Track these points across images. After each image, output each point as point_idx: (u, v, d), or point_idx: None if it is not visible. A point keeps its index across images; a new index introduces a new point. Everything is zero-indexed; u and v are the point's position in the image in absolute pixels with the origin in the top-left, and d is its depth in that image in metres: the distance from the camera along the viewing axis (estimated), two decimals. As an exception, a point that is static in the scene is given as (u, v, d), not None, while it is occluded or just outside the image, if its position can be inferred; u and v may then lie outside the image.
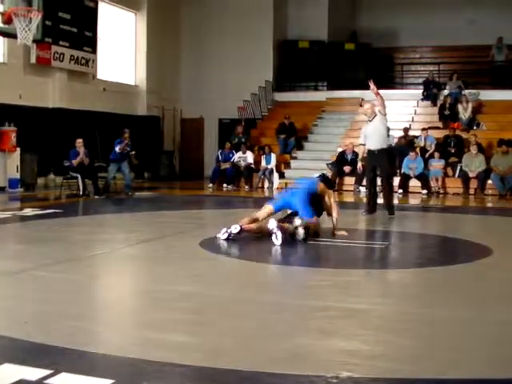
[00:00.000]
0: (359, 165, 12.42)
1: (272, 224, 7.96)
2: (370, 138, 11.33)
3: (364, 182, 17.80)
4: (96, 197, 14.88)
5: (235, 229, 8.11)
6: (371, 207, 11.50)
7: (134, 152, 15.96)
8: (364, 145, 11.65)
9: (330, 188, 8.95)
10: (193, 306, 4.93)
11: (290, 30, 24.52)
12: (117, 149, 15.45)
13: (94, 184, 15.33)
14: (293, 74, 23.95)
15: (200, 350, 3.86)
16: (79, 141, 15.23)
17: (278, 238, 7.82)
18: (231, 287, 5.66)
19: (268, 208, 8.58)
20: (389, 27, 25.02)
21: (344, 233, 8.65)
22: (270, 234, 7.95)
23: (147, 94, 22.69)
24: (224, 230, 8.19)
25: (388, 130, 11.89)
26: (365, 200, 12.63)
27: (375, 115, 11.35)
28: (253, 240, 8.19)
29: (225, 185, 18.92)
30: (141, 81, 22.70)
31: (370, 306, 4.95)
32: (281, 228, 7.94)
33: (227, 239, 8.08)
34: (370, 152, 11.39)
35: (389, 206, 11.44)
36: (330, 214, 8.73)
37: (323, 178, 8.99)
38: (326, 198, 8.70)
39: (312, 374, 3.45)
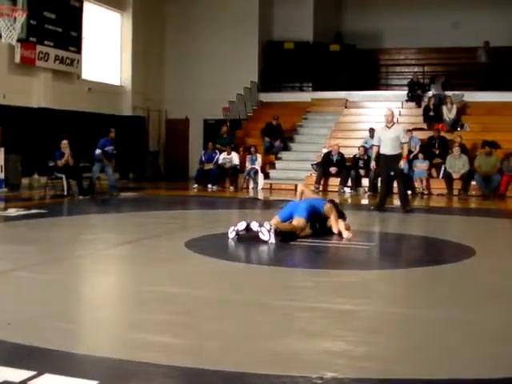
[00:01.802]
0: (372, 164, 13.20)
1: (255, 225, 8.09)
2: (387, 144, 12.16)
3: (349, 183, 18.00)
4: (81, 197, 14.80)
5: (267, 225, 8.08)
6: (381, 204, 12.43)
7: (100, 151, 15.68)
8: (378, 146, 12.44)
9: (339, 215, 8.94)
10: (178, 307, 4.92)
11: (276, 30, 24.54)
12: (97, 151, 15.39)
13: (79, 184, 15.26)
14: (278, 75, 23.98)
15: (185, 350, 3.85)
16: (64, 142, 15.17)
17: (268, 237, 7.98)
18: (217, 288, 5.65)
19: (275, 219, 8.66)
20: (374, 28, 25.11)
21: (349, 234, 8.70)
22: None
23: (132, 94, 22.63)
24: (232, 228, 8.26)
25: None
26: (368, 199, 14.09)
27: (393, 124, 12.34)
28: (242, 241, 8.19)
29: (209, 185, 18.89)
30: (126, 81, 22.64)
31: (355, 307, 4.96)
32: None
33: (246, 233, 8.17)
34: (385, 156, 12.24)
35: (406, 201, 12.52)
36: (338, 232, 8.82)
37: (333, 202, 9.10)
38: (332, 219, 8.79)
39: (296, 375, 3.45)
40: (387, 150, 12.16)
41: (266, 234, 8.00)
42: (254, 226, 8.11)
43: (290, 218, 8.62)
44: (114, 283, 6.13)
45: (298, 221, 8.44)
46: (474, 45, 22.51)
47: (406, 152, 12.44)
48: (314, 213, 8.66)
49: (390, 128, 12.21)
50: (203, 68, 23.57)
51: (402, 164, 12.25)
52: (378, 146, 12.41)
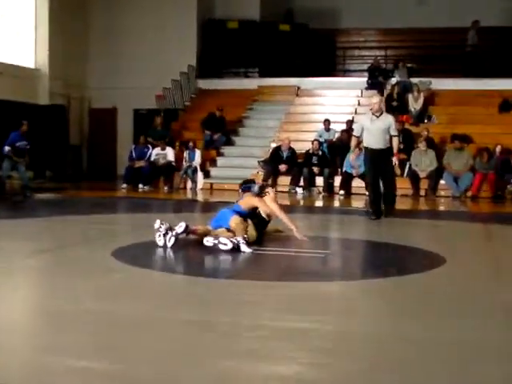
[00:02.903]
0: (351, 157, 13.12)
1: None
2: (374, 136, 11.77)
3: (301, 183, 18.08)
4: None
5: (180, 228, 8.17)
6: (378, 210, 11.90)
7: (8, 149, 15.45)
8: (358, 137, 12.18)
9: (257, 193, 9.00)
10: (101, 326, 4.85)
11: (217, 7, 24.53)
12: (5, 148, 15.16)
13: (-14, 184, 15.03)
14: (220, 59, 23.96)
15: (110, 377, 3.79)
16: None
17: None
18: (147, 304, 5.59)
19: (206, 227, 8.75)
20: (329, 6, 25.31)
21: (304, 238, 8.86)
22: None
23: (50, 79, 22.26)
24: (159, 232, 8.23)
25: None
26: (365, 204, 13.45)
27: (382, 112, 12.02)
28: (179, 249, 8.14)
29: (140, 185, 18.77)
30: (42, 64, 22.25)
31: (307, 325, 4.96)
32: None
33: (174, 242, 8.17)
34: (371, 151, 11.84)
35: (392, 208, 12.13)
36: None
37: (245, 187, 9.15)
38: (260, 207, 8.77)
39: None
40: (374, 143, 11.77)
41: (229, 242, 8.08)
42: (209, 241, 8.19)
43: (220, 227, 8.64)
44: (26, 299, 6.02)
45: (233, 220, 8.41)
46: (440, 25, 22.86)
47: (396, 147, 12.10)
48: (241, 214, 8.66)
49: (378, 117, 11.77)
50: (133, 50, 23.40)
51: (395, 161, 12.02)
52: (358, 138, 12.17)
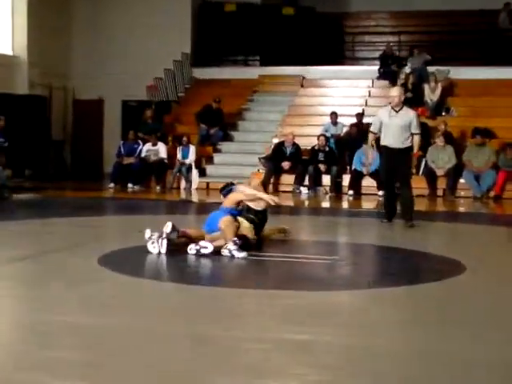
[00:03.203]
0: (370, 154, 12.63)
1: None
2: (393, 133, 11.42)
3: (306, 182, 18.08)
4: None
5: (167, 227, 8.28)
6: (391, 213, 11.79)
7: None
8: (376, 134, 11.81)
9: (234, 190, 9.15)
10: (86, 340, 4.85)
11: (214, -12, 24.54)
12: None
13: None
14: (217, 46, 23.95)
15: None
16: None
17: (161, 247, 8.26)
18: (139, 316, 5.59)
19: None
20: (337, -13, 25.31)
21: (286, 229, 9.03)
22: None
23: (29, 66, 22.24)
24: (151, 240, 8.29)
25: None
26: (376, 206, 13.37)
27: (403, 106, 11.57)
28: (171, 256, 8.15)
29: (130, 185, 18.77)
30: (20, 50, 22.21)
31: (312, 337, 4.97)
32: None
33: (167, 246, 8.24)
34: (388, 150, 11.53)
35: (409, 212, 11.63)
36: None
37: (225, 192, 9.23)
38: (241, 198, 8.92)
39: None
40: (392, 141, 11.41)
41: (209, 245, 8.21)
42: (191, 248, 8.26)
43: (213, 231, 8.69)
44: (4, 312, 6.02)
45: (222, 221, 8.45)
46: (460, 8, 22.83)
47: (418, 146, 11.74)
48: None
49: (397, 112, 11.44)
50: (122, 35, 23.39)
51: (415, 161, 11.90)
52: (376, 134, 11.84)
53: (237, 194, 8.94)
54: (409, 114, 11.54)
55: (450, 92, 20.71)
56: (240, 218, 8.67)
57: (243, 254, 8.07)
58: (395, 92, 11.65)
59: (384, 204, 12.23)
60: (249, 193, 8.90)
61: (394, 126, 11.40)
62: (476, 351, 4.70)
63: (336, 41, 24.94)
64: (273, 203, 8.85)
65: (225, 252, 8.17)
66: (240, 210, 8.80)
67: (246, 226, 8.64)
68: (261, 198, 8.87)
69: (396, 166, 11.44)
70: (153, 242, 8.27)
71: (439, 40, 23.33)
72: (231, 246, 8.13)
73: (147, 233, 8.36)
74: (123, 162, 19.23)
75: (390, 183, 11.85)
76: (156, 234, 8.30)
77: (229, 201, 8.86)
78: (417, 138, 11.60)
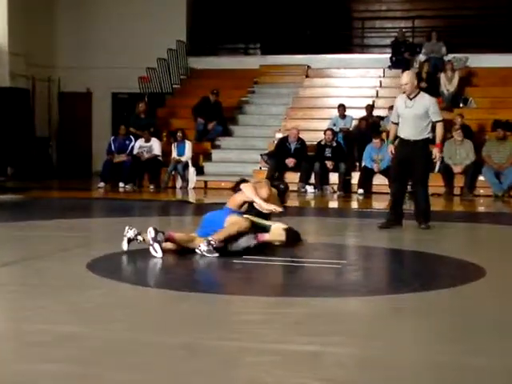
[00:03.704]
0: (390, 148, 11.55)
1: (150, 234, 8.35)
2: (408, 123, 11.07)
3: (312, 180, 18.09)
4: None
5: (149, 233, 8.33)
6: (394, 217, 11.32)
7: None
8: (397, 124, 11.38)
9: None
10: (74, 352, 4.85)
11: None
12: None
13: None
14: (215, 33, 23.97)
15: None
16: None
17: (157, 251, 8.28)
18: (132, 325, 5.60)
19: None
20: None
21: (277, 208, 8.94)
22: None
23: (10, 56, 22.25)
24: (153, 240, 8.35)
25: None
26: (388, 206, 12.38)
27: (419, 92, 11.14)
28: (169, 260, 8.17)
29: (121, 184, 18.79)
30: (0, 38, 22.23)
31: (320, 348, 4.96)
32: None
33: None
34: (402, 142, 11.20)
35: (424, 213, 11.30)
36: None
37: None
38: (244, 199, 8.96)
39: None
40: (407, 132, 11.07)
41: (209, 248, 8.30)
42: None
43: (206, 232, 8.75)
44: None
45: (228, 220, 8.55)
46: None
47: (440, 136, 11.25)
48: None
49: (412, 99, 11.02)
50: (112, 22, 23.45)
51: (437, 155, 11.30)
52: (397, 125, 11.34)
53: (240, 194, 9.00)
54: (424, 101, 11.09)
55: (468, 81, 20.75)
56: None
57: (215, 255, 8.25)
58: (405, 79, 11.14)
59: (388, 203, 11.99)
60: (249, 196, 8.91)
61: (410, 116, 11.03)
62: (504, 360, 4.71)
63: (344, 27, 24.96)
64: (266, 211, 8.90)
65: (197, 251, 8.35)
66: (244, 212, 8.84)
67: (276, 233, 8.72)
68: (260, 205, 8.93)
69: (410, 160, 11.03)
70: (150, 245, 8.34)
71: (456, 25, 23.34)
72: (204, 246, 8.28)
73: (150, 232, 8.40)
74: (114, 160, 19.25)
75: (399, 178, 11.35)
76: (131, 232, 8.46)
77: (233, 201, 8.95)
78: (439, 128, 11.16)
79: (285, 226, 8.77)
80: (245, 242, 8.51)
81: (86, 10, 23.69)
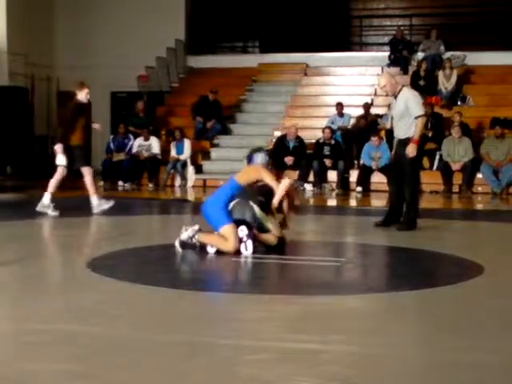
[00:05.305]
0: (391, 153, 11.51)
1: (242, 232, 8.30)
2: (395, 121, 10.92)
3: (311, 178, 18.08)
4: None
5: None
6: (390, 216, 11.19)
7: None
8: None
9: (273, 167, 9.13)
10: (76, 351, 4.85)
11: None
12: None
13: None
14: (213, 31, 23.94)
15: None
16: None
17: (247, 249, 8.30)
18: (132, 324, 5.60)
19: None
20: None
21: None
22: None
23: (9, 56, 22.25)
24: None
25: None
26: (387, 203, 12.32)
27: (401, 89, 10.80)
28: (172, 258, 8.19)
29: (120, 182, 18.79)
30: (0, 37, 22.25)
31: (319, 346, 4.97)
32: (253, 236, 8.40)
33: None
34: (395, 141, 11.07)
35: (406, 214, 11.02)
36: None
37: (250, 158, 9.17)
38: (268, 182, 8.69)
39: None
40: (396, 131, 10.95)
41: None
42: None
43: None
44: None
45: (223, 232, 8.47)
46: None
47: (418, 131, 10.55)
48: (241, 193, 8.71)
49: (396, 98, 10.79)
50: (110, 21, 23.41)
51: (410, 151, 10.51)
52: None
53: (256, 172, 8.77)
54: (403, 96, 10.69)
55: (466, 79, 20.73)
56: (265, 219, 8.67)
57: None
58: (382, 81, 10.99)
59: (387, 201, 12.04)
60: (269, 182, 8.64)
61: (395, 115, 10.88)
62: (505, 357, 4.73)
63: (342, 25, 24.94)
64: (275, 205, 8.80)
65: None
66: (248, 196, 8.64)
67: (270, 238, 8.71)
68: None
69: (400, 159, 10.84)
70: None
71: (454, 23, 23.33)
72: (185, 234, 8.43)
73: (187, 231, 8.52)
74: (113, 159, 19.25)
75: (394, 178, 11.19)
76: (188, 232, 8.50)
77: (246, 175, 8.75)
78: (418, 122, 10.54)
79: (279, 235, 8.72)
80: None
81: (85, 9, 23.66)
